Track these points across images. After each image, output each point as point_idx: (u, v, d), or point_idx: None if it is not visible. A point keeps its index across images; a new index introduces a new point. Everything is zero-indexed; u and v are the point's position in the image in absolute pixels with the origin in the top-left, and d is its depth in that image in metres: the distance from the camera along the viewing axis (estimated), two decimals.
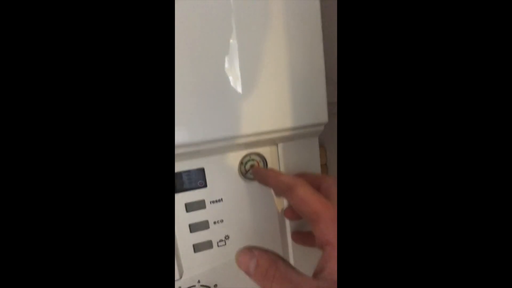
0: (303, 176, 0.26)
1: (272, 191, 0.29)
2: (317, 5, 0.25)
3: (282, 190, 0.22)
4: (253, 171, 0.26)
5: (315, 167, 0.29)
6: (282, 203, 0.29)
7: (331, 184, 0.23)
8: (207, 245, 0.28)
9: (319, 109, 0.26)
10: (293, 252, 0.30)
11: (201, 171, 0.26)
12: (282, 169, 0.28)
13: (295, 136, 0.27)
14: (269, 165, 0.28)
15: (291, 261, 0.30)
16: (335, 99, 0.38)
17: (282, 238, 0.30)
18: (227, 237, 0.28)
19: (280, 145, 0.28)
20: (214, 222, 0.27)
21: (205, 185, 0.26)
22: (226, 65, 0.23)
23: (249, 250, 0.19)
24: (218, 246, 0.28)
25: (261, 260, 0.18)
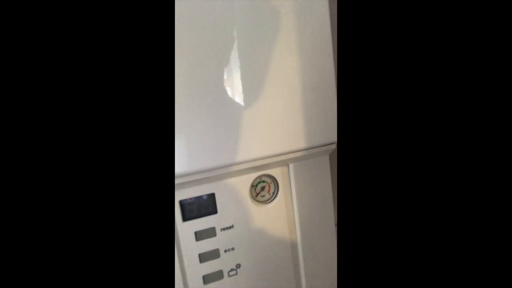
0: None
1: (284, 215, 0.28)
2: (327, 19, 0.24)
3: None
4: None
5: (326, 186, 0.29)
6: (294, 228, 0.28)
7: None
8: (218, 275, 0.26)
9: (331, 128, 0.26)
10: (305, 279, 0.29)
11: (212, 196, 0.24)
12: (294, 189, 0.27)
13: (306, 156, 0.26)
14: (280, 186, 0.27)
15: None
16: None
17: (294, 264, 0.28)
18: (238, 266, 0.26)
19: (291, 166, 0.27)
20: (225, 251, 0.26)
21: (216, 212, 0.25)
22: (234, 89, 0.22)
23: None
24: (229, 276, 0.26)
25: None
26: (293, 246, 0.28)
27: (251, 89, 0.23)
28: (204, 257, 0.25)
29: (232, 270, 0.26)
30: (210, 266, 0.25)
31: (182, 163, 0.21)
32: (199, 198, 0.24)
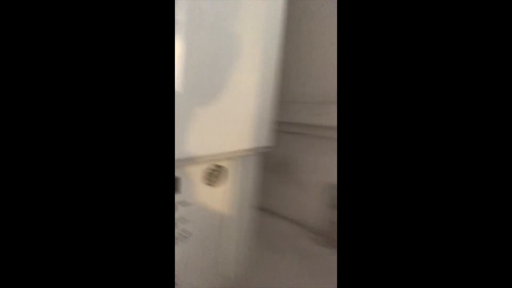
0: None
1: (228, 196, 0.37)
2: (279, 31, 0.34)
3: None
4: None
5: (256, 176, 0.39)
6: (232, 206, 0.37)
7: None
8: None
9: (266, 133, 0.36)
10: (236, 247, 0.38)
11: (177, 180, 0.31)
12: (240, 175, 0.36)
13: (246, 154, 0.36)
14: (228, 173, 0.36)
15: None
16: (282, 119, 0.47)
17: (229, 232, 0.38)
18: (190, 234, 0.34)
19: (236, 160, 0.36)
20: (181, 223, 0.33)
21: (178, 191, 0.32)
22: (192, 96, 0.29)
23: None
24: (183, 242, 0.33)
25: None
26: (230, 218, 0.38)
27: (210, 97, 0.30)
28: None
29: (185, 237, 0.33)
30: None
31: None
32: None
